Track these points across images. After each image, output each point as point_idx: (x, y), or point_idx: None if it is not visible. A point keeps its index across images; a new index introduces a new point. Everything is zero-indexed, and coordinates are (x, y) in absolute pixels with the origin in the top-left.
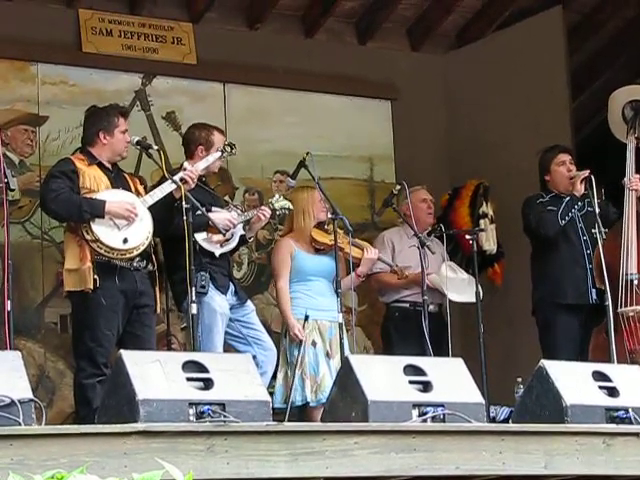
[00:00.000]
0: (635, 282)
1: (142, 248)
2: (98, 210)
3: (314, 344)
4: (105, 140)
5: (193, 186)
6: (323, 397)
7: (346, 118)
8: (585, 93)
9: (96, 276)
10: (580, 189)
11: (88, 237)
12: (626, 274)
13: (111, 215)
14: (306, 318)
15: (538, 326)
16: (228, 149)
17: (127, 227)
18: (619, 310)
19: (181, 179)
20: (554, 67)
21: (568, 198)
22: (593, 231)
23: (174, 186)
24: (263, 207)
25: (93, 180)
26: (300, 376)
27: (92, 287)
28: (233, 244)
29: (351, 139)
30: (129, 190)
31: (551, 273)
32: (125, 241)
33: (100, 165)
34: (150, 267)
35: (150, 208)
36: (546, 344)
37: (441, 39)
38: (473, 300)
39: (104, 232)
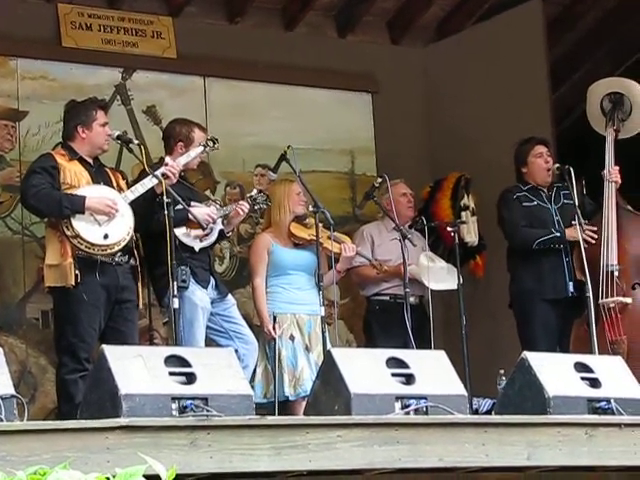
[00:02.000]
0: (616, 273)
1: (123, 243)
2: (78, 206)
3: (292, 338)
4: (84, 134)
5: (175, 181)
6: (302, 391)
7: (327, 111)
8: (565, 85)
9: (77, 271)
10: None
11: (69, 233)
12: (607, 265)
13: (91, 211)
14: (274, 319)
15: (516, 318)
16: (210, 144)
17: (108, 223)
18: (600, 301)
19: (163, 174)
20: (534, 59)
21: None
22: (573, 223)
23: (156, 181)
24: (242, 202)
25: (74, 175)
26: (278, 372)
27: (73, 283)
28: (212, 238)
29: (332, 132)
30: (111, 185)
31: (529, 266)
32: (106, 237)
33: (81, 160)
34: (132, 262)
35: (131, 203)
36: (525, 336)
37: (421, 32)
38: (453, 287)
39: (84, 228)
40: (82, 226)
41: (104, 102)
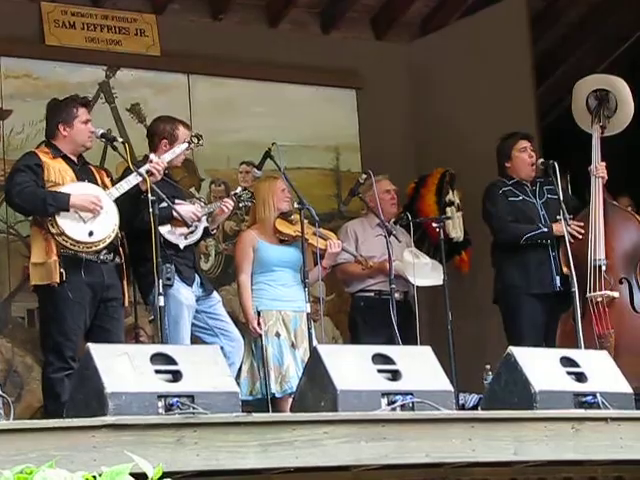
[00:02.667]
0: (603, 268)
1: (108, 241)
2: (63, 203)
3: (278, 335)
4: (65, 132)
5: (159, 178)
6: (288, 387)
7: (312, 108)
8: (549, 80)
9: (62, 270)
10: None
11: (53, 230)
12: (594, 260)
13: (76, 208)
14: (258, 313)
15: (502, 313)
16: (195, 140)
17: (93, 220)
18: (587, 295)
19: (147, 171)
20: (518, 54)
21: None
22: (558, 217)
23: (140, 178)
24: (226, 199)
25: (58, 173)
26: (265, 369)
27: (58, 281)
28: (197, 236)
29: (317, 129)
30: (95, 183)
31: (515, 261)
32: (91, 234)
33: (65, 158)
34: (117, 260)
35: (117, 200)
36: (511, 332)
37: (405, 27)
38: (438, 283)
39: (69, 225)
40: (67, 224)
41: (86, 99)
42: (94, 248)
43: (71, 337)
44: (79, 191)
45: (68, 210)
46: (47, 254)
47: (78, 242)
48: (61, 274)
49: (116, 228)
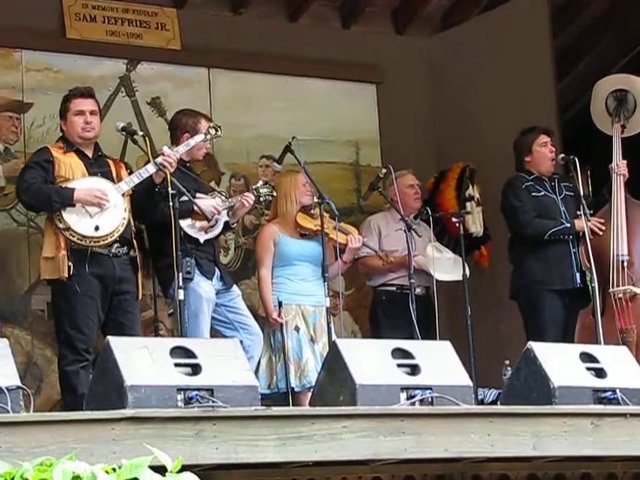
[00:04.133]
0: (625, 263)
1: (117, 235)
2: (67, 199)
3: (297, 329)
4: (65, 127)
5: (172, 170)
6: (307, 381)
7: (331, 102)
8: (570, 75)
9: (70, 263)
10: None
11: (61, 225)
12: (616, 255)
13: (81, 203)
14: (280, 304)
15: (521, 309)
16: (212, 132)
17: (99, 214)
18: (610, 290)
19: (160, 164)
20: (539, 49)
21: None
22: (579, 213)
23: (152, 170)
24: (247, 193)
25: (69, 168)
26: (285, 363)
27: (66, 275)
28: (217, 230)
29: (337, 123)
30: (110, 176)
31: (536, 257)
32: (97, 228)
33: (78, 152)
34: (132, 253)
35: (132, 194)
36: (532, 327)
37: (426, 22)
38: (459, 278)
39: (75, 220)
40: (73, 219)
41: (80, 90)
42: (102, 242)
43: (83, 330)
44: (85, 186)
45: (73, 205)
46: (57, 249)
47: (84, 236)
48: (69, 268)
49: (125, 222)
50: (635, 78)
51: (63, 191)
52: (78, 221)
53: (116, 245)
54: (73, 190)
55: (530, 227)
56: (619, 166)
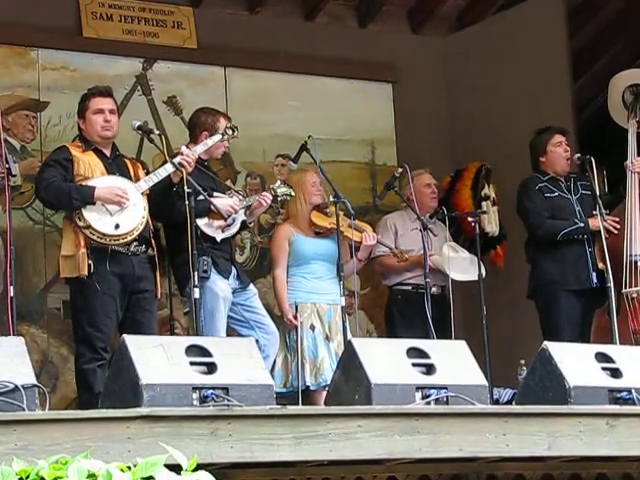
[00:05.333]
0: (639, 263)
1: (136, 233)
2: (87, 197)
3: (312, 328)
4: (83, 126)
5: (190, 170)
6: (322, 380)
7: (347, 101)
8: (586, 75)
9: (90, 262)
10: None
11: (81, 224)
12: (630, 255)
13: (101, 201)
14: (296, 308)
15: (538, 309)
16: (230, 132)
17: (119, 213)
18: (623, 291)
19: (178, 163)
20: (555, 49)
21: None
22: (594, 212)
23: (170, 170)
24: (265, 193)
25: (88, 166)
26: (299, 361)
27: (86, 273)
28: (234, 229)
29: (352, 122)
30: (128, 175)
31: (552, 257)
32: (117, 227)
33: (96, 151)
34: (150, 252)
35: (150, 192)
36: (548, 327)
37: (442, 22)
38: (475, 278)
39: (95, 218)
40: (93, 217)
41: (99, 88)
42: (122, 240)
43: (101, 328)
44: (105, 184)
45: (93, 203)
46: (76, 247)
47: (105, 235)
48: (89, 266)
49: (144, 220)
50: None
51: (83, 189)
52: (98, 219)
53: (135, 244)
54: (94, 188)
55: (542, 228)
56: (634, 163)
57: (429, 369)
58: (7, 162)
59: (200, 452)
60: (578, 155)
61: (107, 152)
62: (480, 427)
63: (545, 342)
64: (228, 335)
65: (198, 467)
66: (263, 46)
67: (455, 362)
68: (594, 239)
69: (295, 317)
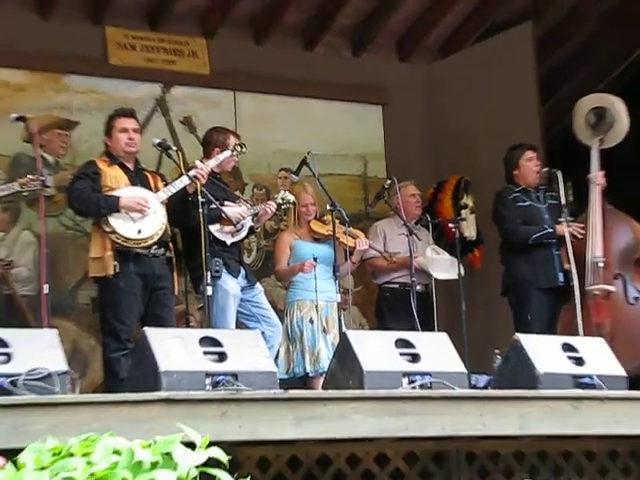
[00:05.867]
0: (600, 264)
1: (157, 237)
2: (113, 205)
3: (311, 321)
4: (109, 143)
5: (204, 182)
6: (320, 367)
7: (342, 121)
8: (554, 98)
9: (115, 263)
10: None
11: (107, 229)
12: (593, 257)
13: (126, 209)
14: (315, 259)
15: (511, 305)
16: (239, 148)
17: (141, 219)
18: (587, 288)
19: (193, 176)
20: (525, 75)
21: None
22: (560, 220)
23: (186, 182)
24: (269, 202)
25: (114, 179)
26: (300, 351)
27: (112, 273)
28: (243, 234)
29: (347, 140)
30: (148, 186)
31: (523, 259)
32: (139, 232)
33: (121, 165)
34: (168, 254)
35: (168, 201)
36: (520, 321)
37: (426, 51)
38: (455, 277)
39: (120, 224)
40: (118, 223)
41: (125, 109)
42: (143, 244)
43: (126, 321)
44: (129, 194)
45: (118, 211)
46: (103, 249)
47: (128, 239)
48: (114, 267)
49: (164, 226)
50: (613, 97)
51: (110, 199)
52: (123, 225)
53: (155, 247)
54: (119, 198)
55: (516, 234)
56: (596, 176)
57: (414, 358)
58: (42, 175)
59: (212, 431)
60: (546, 169)
61: (130, 166)
62: (460, 409)
63: (517, 334)
64: (237, 328)
65: (210, 444)
66: (268, 73)
67: (437, 352)
68: (561, 243)
69: (310, 263)
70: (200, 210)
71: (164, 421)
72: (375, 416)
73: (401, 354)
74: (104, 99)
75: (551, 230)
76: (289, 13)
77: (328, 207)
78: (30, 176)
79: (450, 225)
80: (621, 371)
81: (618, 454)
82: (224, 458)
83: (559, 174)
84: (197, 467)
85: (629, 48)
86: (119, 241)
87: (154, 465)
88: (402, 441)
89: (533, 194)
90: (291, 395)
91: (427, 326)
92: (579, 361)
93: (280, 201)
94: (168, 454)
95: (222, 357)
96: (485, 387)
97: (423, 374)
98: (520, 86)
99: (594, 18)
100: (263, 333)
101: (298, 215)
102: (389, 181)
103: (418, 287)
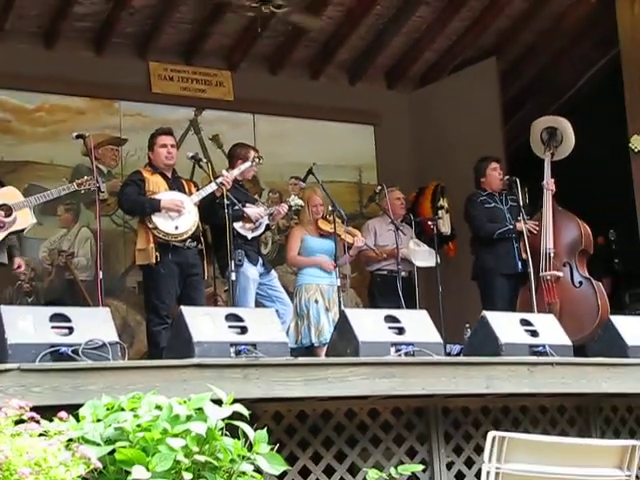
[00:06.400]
0: (551, 254)
1: (190, 233)
2: (155, 206)
3: (316, 301)
4: (152, 156)
5: (229, 187)
6: (324, 339)
7: (341, 138)
8: (514, 119)
9: (157, 253)
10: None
11: (150, 226)
12: (546, 248)
13: (165, 209)
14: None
15: (480, 288)
16: (257, 160)
17: (178, 218)
18: (541, 274)
19: (220, 183)
20: (491, 100)
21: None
22: (519, 218)
23: (214, 187)
24: (282, 204)
25: (155, 185)
26: (307, 326)
27: (154, 261)
28: (261, 230)
29: (345, 153)
30: (184, 191)
31: (489, 250)
32: (176, 228)
33: (161, 174)
34: (200, 246)
35: (200, 203)
36: (486, 301)
37: (409, 81)
38: (433, 265)
39: (161, 222)
40: (159, 221)
41: (163, 129)
42: (180, 238)
43: (165, 301)
44: (168, 197)
45: (160, 211)
46: (147, 242)
47: (167, 234)
48: (156, 256)
49: (196, 224)
50: (561, 119)
51: (153, 201)
52: (163, 222)
53: (189, 240)
54: (160, 200)
55: (483, 230)
56: (548, 183)
57: (400, 331)
58: (98, 182)
59: (236, 390)
60: (508, 177)
61: (169, 175)
62: (437, 372)
63: (484, 311)
64: (256, 307)
65: (234, 401)
66: (281, 99)
67: (419, 326)
68: (519, 237)
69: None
70: (226, 210)
71: (196, 382)
72: (368, 378)
73: (389, 328)
74: (147, 121)
75: (511, 227)
76: (298, 50)
77: (330, 208)
78: (85, 177)
79: (429, 222)
80: (568, 341)
81: (565, 409)
82: (245, 412)
83: (518, 181)
84: (223, 420)
85: (575, 79)
86: (160, 235)
87: (188, 418)
88: (390, 399)
89: (497, 197)
90: (300, 361)
91: (410, 305)
92: (534, 333)
93: (291, 204)
94: (200, 409)
95: (243, 330)
96: (458, 354)
97: (407, 344)
98: (486, 109)
99: (547, 54)
100: (277, 311)
101: (310, 212)
102: (379, 187)
103: (403, 273)
